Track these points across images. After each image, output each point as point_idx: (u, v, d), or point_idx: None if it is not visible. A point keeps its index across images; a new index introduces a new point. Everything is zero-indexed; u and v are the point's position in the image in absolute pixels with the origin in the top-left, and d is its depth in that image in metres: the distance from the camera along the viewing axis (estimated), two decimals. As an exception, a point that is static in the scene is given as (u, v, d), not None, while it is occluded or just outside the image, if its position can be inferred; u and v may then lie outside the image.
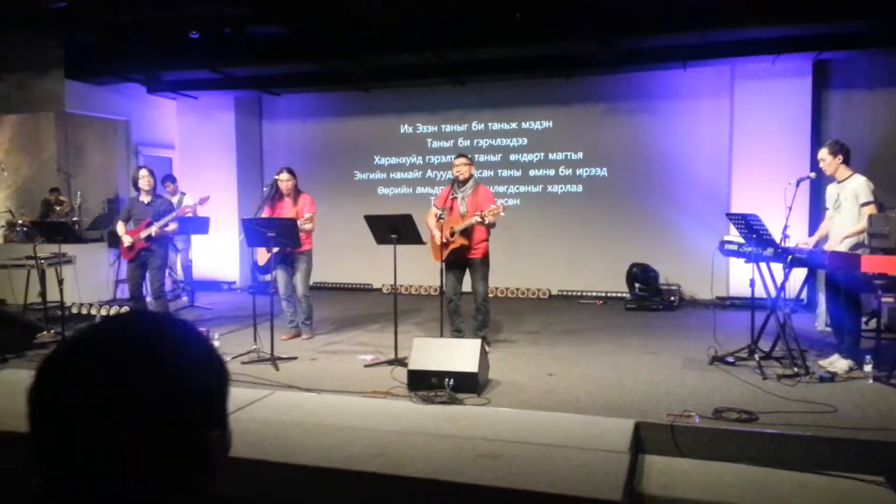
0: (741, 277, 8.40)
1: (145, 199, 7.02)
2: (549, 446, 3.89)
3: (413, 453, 3.84)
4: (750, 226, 5.57)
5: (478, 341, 5.32)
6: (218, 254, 10.85)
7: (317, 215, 7.20)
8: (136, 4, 7.73)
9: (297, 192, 7.07)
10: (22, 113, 10.66)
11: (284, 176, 7.02)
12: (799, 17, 7.29)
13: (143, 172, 7.04)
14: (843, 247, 5.49)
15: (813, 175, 6.11)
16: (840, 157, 5.57)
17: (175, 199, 8.81)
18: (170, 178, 9.52)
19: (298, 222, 6.56)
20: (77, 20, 8.28)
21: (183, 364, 0.84)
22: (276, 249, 6.61)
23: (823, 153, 5.70)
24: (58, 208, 10.38)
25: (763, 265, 5.82)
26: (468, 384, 5.01)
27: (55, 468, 0.78)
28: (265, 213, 6.89)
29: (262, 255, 6.99)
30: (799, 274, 6.17)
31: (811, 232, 8.15)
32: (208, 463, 0.84)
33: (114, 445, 0.76)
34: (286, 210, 6.96)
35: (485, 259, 6.62)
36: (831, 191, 5.82)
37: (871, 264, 4.92)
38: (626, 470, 3.59)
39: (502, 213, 6.29)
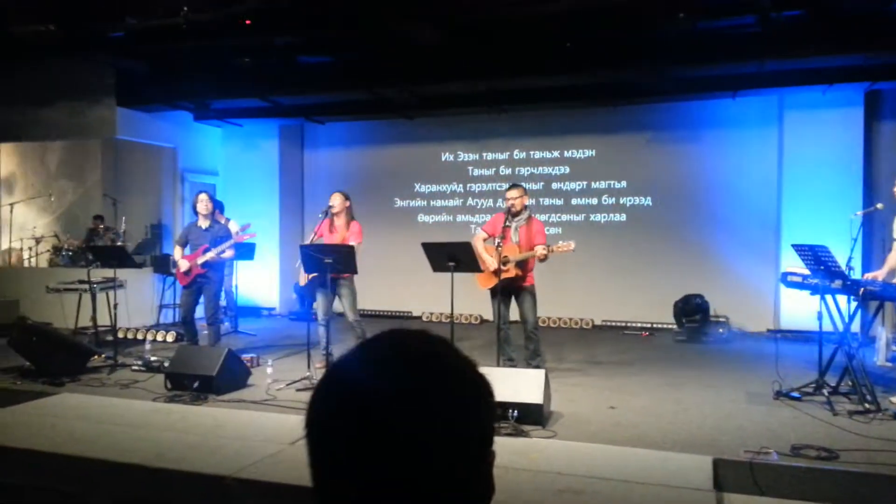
0: (794, 310, 8.28)
1: (203, 224, 7.04)
2: (630, 483, 3.78)
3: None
4: (818, 257, 5.46)
5: (542, 371, 5.24)
6: (259, 280, 10.87)
7: (361, 245, 7.12)
8: (187, 34, 7.87)
9: (349, 218, 7.03)
10: (74, 139, 10.86)
11: (336, 198, 7.01)
12: (852, 47, 7.23)
13: (202, 196, 7.06)
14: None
15: (881, 206, 5.99)
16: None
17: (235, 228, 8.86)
18: (217, 206, 9.60)
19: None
20: (130, 48, 8.45)
21: (473, 382, 0.83)
22: (314, 274, 6.57)
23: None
24: (101, 229, 10.49)
25: (829, 298, 5.67)
26: (533, 416, 4.92)
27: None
28: (318, 236, 6.90)
29: (303, 277, 6.94)
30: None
31: (864, 263, 8.02)
32: (491, 480, 0.83)
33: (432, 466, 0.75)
34: (338, 232, 6.92)
35: (532, 287, 6.56)
36: (900, 222, 5.71)
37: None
38: (715, 509, 3.47)
39: (572, 251, 6.23)
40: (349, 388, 0.78)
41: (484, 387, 0.83)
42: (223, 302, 9.78)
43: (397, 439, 0.73)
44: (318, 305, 7.04)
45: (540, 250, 6.19)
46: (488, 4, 6.92)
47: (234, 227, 8.89)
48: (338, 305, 7.31)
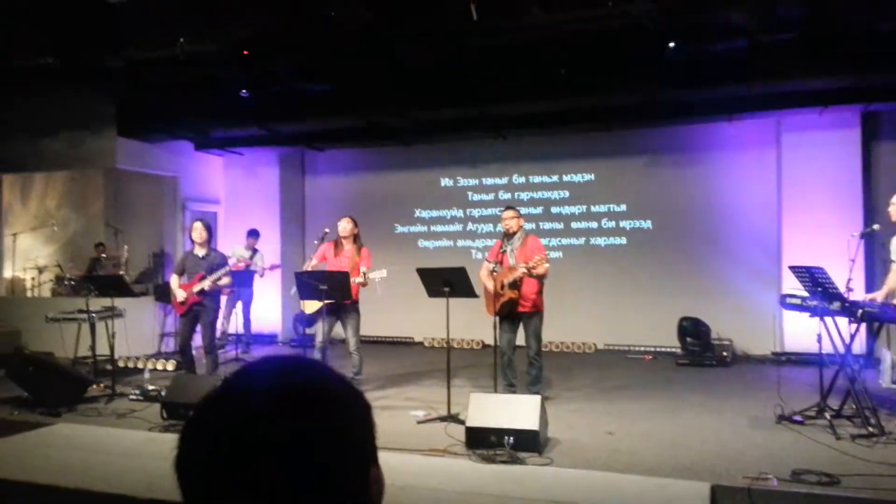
0: (797, 333, 8.21)
1: (199, 252, 7.05)
2: (625, 510, 3.72)
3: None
4: (815, 279, 5.42)
5: (538, 398, 5.19)
6: (262, 308, 10.86)
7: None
8: (186, 64, 7.95)
9: (359, 244, 7.06)
10: (74, 169, 10.95)
11: (345, 223, 7.06)
12: (847, 68, 7.25)
13: (197, 225, 7.08)
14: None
15: (877, 227, 5.95)
16: (912, 207, 5.43)
17: (247, 255, 8.95)
18: (252, 234, 9.68)
19: (362, 270, 6.71)
20: (130, 79, 8.54)
21: (346, 402, 0.82)
22: (328, 301, 6.59)
23: (896, 199, 5.56)
24: (104, 259, 10.54)
25: (828, 320, 5.62)
26: (529, 443, 4.86)
27: None
28: (319, 260, 6.93)
29: (310, 305, 6.93)
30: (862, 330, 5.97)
31: (867, 285, 7.96)
32: (373, 498, 0.82)
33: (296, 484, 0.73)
34: (347, 257, 6.94)
35: (537, 313, 6.52)
36: (897, 243, 5.67)
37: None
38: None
39: (546, 264, 6.20)
40: (224, 417, 0.77)
41: (356, 406, 0.83)
42: (241, 329, 9.78)
43: (272, 461, 0.73)
44: (317, 330, 7.02)
45: (521, 269, 6.16)
46: (482, 30, 6.98)
47: (258, 261, 9.02)
48: (338, 331, 7.30)
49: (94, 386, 6.99)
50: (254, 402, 0.77)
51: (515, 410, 5.02)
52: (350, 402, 0.83)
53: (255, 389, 0.79)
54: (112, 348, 7.18)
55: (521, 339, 6.56)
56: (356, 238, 7.08)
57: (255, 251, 9.36)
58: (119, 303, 7.84)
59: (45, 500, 4.34)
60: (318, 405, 0.78)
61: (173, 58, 7.22)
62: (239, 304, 9.56)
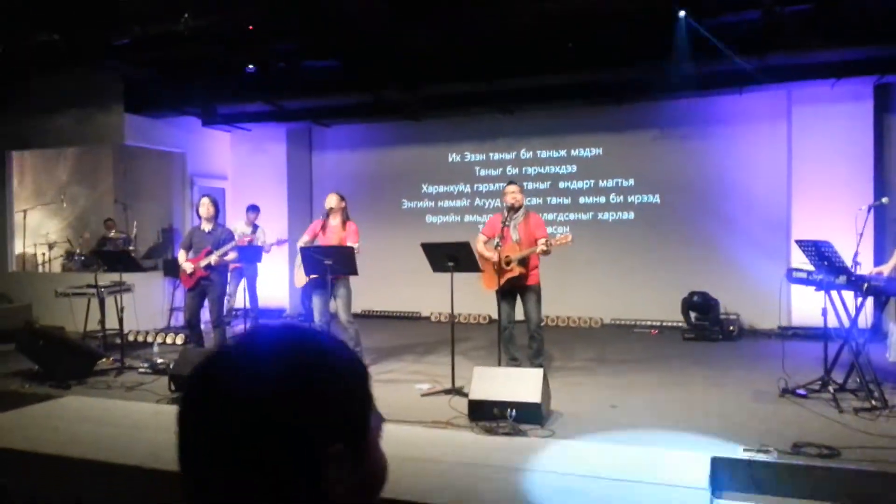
0: (804, 307, 8.16)
1: (206, 227, 7.09)
2: (623, 482, 3.74)
3: (484, 487, 3.74)
4: (821, 253, 5.38)
5: (540, 370, 5.21)
6: (269, 282, 10.92)
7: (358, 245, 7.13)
8: (193, 40, 7.93)
9: (344, 218, 7.05)
10: (82, 146, 11.00)
11: (332, 198, 7.03)
12: (860, 39, 7.13)
13: (204, 200, 7.12)
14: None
15: (886, 200, 5.90)
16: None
17: (248, 230, 8.92)
18: (252, 209, 9.60)
19: (349, 244, 6.66)
20: (137, 56, 8.53)
21: (342, 372, 0.81)
22: (313, 276, 6.59)
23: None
24: (112, 235, 10.61)
25: (834, 294, 5.59)
26: (531, 415, 4.89)
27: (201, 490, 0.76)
28: (311, 236, 6.95)
29: (300, 278, 6.95)
30: (868, 303, 5.93)
31: (876, 259, 7.90)
32: (373, 466, 0.81)
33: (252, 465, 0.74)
34: (333, 233, 6.94)
35: (537, 286, 6.55)
36: (906, 216, 5.61)
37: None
38: (709, 507, 3.43)
39: (570, 243, 6.22)
40: (222, 381, 0.78)
41: (354, 376, 0.82)
42: (247, 304, 9.82)
43: (265, 427, 0.74)
44: (315, 306, 7.06)
45: (541, 245, 6.17)
46: (490, 5, 6.90)
47: (262, 235, 9.00)
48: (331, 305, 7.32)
49: (104, 359, 7.09)
50: (234, 386, 0.76)
51: (518, 383, 5.05)
52: (335, 377, 0.80)
53: (236, 371, 0.78)
54: (121, 322, 7.26)
55: (519, 314, 6.56)
56: (344, 212, 7.06)
57: (255, 227, 9.36)
58: (128, 278, 7.92)
59: (55, 470, 4.42)
60: (300, 385, 0.77)
61: (178, 34, 7.20)
62: (244, 281, 9.59)
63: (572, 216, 10.22)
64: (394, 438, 4.64)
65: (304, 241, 7.05)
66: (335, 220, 7.00)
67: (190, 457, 0.77)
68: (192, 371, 0.80)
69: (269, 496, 0.74)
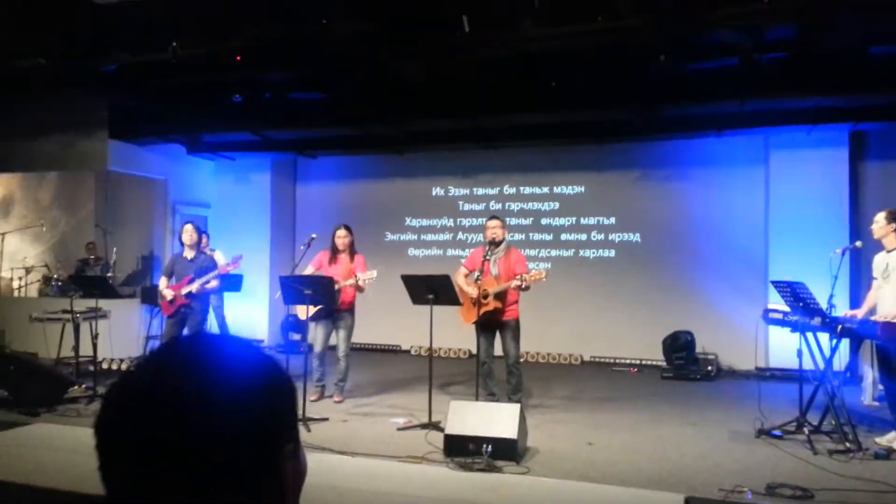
0: (782, 348, 8.21)
1: (188, 254, 7.05)
2: (597, 520, 3.72)
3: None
4: (796, 294, 5.45)
5: (517, 406, 5.19)
6: (249, 312, 10.84)
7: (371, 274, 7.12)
8: (181, 69, 7.97)
9: (352, 251, 7.09)
10: (66, 171, 10.94)
11: (342, 232, 7.08)
12: (836, 88, 7.32)
13: (188, 227, 7.09)
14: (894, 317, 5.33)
15: (860, 244, 5.99)
16: (894, 225, 5.46)
17: (228, 259, 8.83)
18: (202, 233, 9.49)
19: (357, 275, 6.73)
20: (123, 83, 8.55)
21: (246, 382, 0.82)
22: (319, 307, 6.60)
23: (880, 217, 5.58)
24: (91, 258, 10.50)
25: (810, 336, 5.65)
26: (507, 451, 4.86)
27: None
28: (315, 268, 6.94)
29: (303, 310, 6.93)
30: (844, 346, 6.00)
31: (852, 302, 7.99)
32: (287, 478, 0.83)
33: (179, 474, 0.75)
34: (341, 267, 6.96)
35: (516, 321, 6.56)
36: (879, 260, 5.69)
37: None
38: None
39: (544, 280, 6.25)
40: (140, 390, 0.79)
41: (275, 385, 0.84)
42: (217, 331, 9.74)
43: (182, 436, 0.75)
44: (315, 337, 7.03)
45: (515, 281, 6.20)
46: (473, 43, 7.02)
47: (219, 257, 8.88)
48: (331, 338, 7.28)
49: (76, 386, 6.96)
50: (142, 405, 0.78)
51: (494, 419, 5.02)
52: (286, 379, 0.86)
53: (145, 390, 0.79)
54: (95, 349, 7.15)
55: (498, 349, 6.56)
56: (352, 244, 7.12)
57: (211, 250, 9.28)
58: (105, 304, 7.82)
59: (20, 499, 4.31)
60: (266, 391, 0.82)
61: (166, 62, 7.25)
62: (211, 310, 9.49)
63: (554, 252, 10.28)
64: (368, 473, 4.61)
65: (309, 272, 7.05)
66: (343, 254, 7.02)
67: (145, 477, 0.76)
68: (124, 390, 0.80)
69: (237, 497, 0.77)
